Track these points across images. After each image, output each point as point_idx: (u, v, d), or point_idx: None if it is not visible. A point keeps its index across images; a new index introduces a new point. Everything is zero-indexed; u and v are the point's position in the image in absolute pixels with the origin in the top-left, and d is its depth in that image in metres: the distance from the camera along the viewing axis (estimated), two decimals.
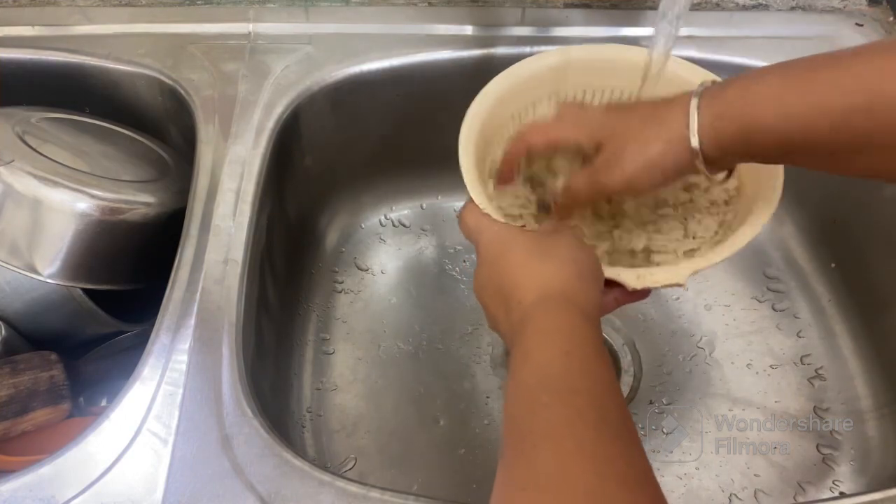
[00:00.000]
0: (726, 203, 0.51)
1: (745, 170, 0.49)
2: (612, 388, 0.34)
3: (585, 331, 0.37)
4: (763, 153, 0.39)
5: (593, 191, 0.43)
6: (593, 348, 0.36)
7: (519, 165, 0.48)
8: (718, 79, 0.46)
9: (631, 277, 0.43)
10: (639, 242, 0.49)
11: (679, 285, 0.43)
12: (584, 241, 0.44)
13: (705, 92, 0.39)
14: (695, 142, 0.38)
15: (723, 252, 0.44)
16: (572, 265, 0.40)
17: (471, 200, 0.46)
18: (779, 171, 0.47)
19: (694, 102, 0.38)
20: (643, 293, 0.44)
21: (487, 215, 0.44)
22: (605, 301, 0.43)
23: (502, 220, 0.44)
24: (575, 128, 0.44)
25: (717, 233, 0.49)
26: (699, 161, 0.39)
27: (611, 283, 0.43)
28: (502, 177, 0.50)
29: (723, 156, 0.39)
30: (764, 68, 0.39)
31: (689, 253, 0.49)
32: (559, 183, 0.47)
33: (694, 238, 0.49)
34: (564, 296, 0.38)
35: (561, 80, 0.53)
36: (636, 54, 0.52)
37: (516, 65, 0.53)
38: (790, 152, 0.38)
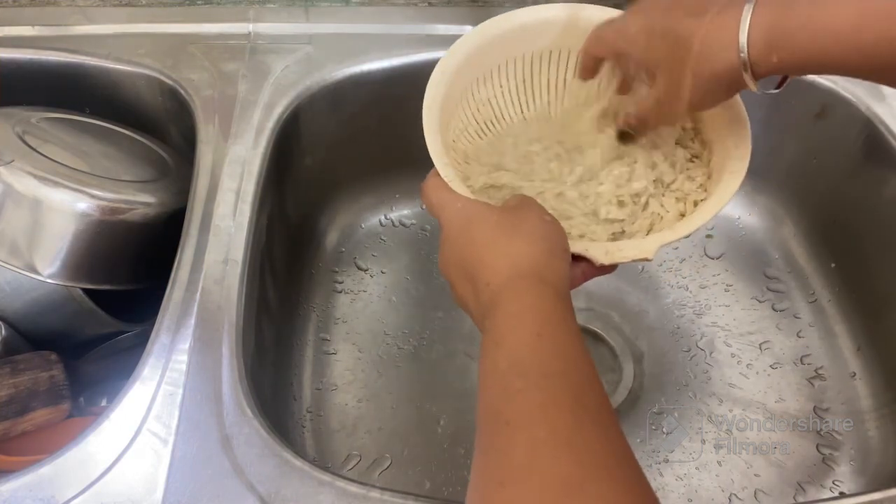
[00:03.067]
0: (691, 161, 0.50)
1: (712, 129, 0.48)
2: (587, 370, 0.33)
3: (558, 310, 0.35)
4: (820, 73, 0.40)
5: (661, 121, 0.44)
6: (566, 329, 0.35)
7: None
8: None
9: (599, 253, 0.42)
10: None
11: (647, 259, 0.42)
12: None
13: (761, 9, 0.37)
14: (749, 76, 0.38)
15: (689, 226, 0.43)
16: (542, 242, 0.38)
17: (434, 172, 0.43)
18: (745, 138, 0.46)
19: (745, 23, 0.37)
20: (610, 267, 0.43)
21: (451, 189, 0.42)
22: (573, 275, 0.41)
23: (468, 193, 0.42)
24: (616, 47, 0.44)
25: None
26: (749, 79, 0.38)
27: (578, 258, 0.42)
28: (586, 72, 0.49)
29: (774, 73, 0.39)
30: None
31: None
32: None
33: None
34: (535, 275, 0.37)
35: (539, 40, 0.52)
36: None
37: (485, 23, 0.50)
38: (856, 75, 0.37)
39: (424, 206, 0.44)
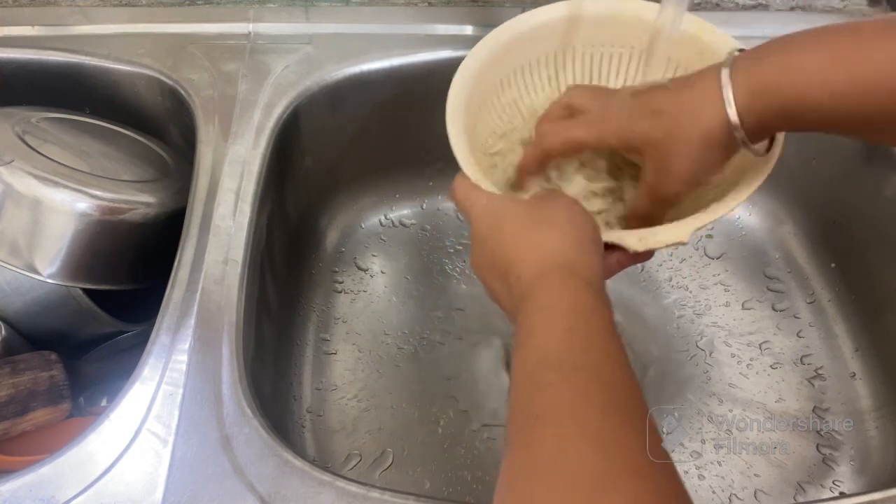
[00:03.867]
0: None
1: None
2: (619, 364, 0.33)
3: (590, 303, 0.35)
4: (806, 127, 0.37)
5: (657, 205, 0.42)
6: (598, 321, 0.34)
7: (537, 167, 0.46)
8: (736, 44, 0.44)
9: (633, 240, 0.41)
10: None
11: (682, 243, 0.41)
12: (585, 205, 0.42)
13: (737, 66, 0.37)
14: (737, 123, 0.37)
15: (723, 207, 0.42)
16: (572, 233, 0.38)
17: (461, 173, 0.44)
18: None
19: (726, 80, 0.36)
20: (646, 254, 0.42)
21: (478, 187, 0.42)
22: (608, 264, 0.41)
23: (495, 190, 0.42)
24: (600, 128, 0.42)
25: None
26: (742, 139, 0.38)
27: (611, 247, 0.41)
28: (520, 183, 0.47)
29: (762, 130, 0.38)
30: (798, 36, 0.37)
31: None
32: (578, 184, 0.45)
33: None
34: (566, 267, 0.36)
35: (563, 37, 0.51)
36: (644, 10, 0.49)
37: (507, 23, 0.49)
38: (835, 126, 0.37)
39: (456, 207, 0.44)
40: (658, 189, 0.41)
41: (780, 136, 0.43)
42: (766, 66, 0.36)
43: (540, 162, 0.46)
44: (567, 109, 0.45)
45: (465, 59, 0.49)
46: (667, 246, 0.41)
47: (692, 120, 0.38)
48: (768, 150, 0.43)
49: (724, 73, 0.37)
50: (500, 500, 0.30)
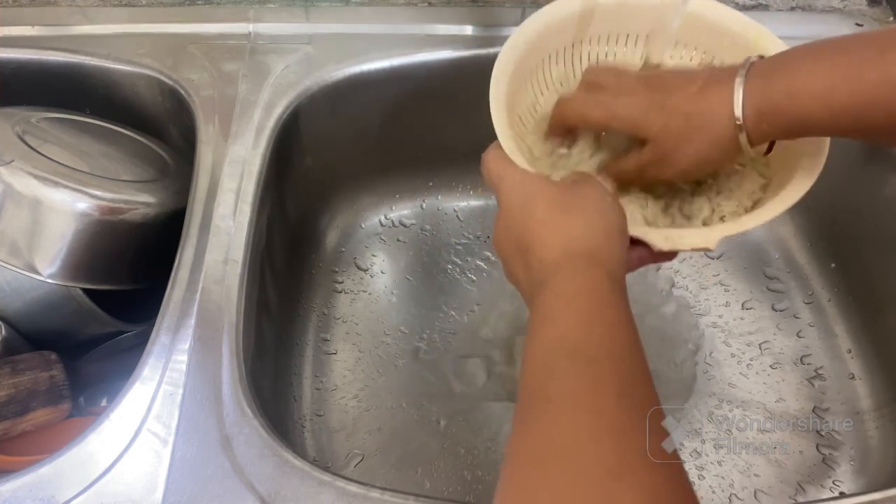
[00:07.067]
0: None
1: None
2: (636, 356, 0.33)
3: (610, 294, 0.35)
4: (811, 136, 0.40)
5: (642, 180, 0.43)
6: (618, 312, 0.34)
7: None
8: (744, 20, 0.47)
9: (659, 238, 0.41)
10: (699, 211, 0.47)
11: (708, 249, 0.41)
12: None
13: (749, 84, 0.38)
14: (745, 143, 0.39)
15: (756, 219, 0.42)
16: (600, 221, 0.38)
17: (496, 143, 0.43)
18: (820, 145, 0.45)
19: (738, 100, 0.38)
20: (669, 254, 0.42)
21: (512, 162, 0.42)
22: (629, 259, 0.41)
23: (529, 168, 0.42)
24: (613, 113, 0.43)
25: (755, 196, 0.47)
26: (745, 144, 0.40)
27: (635, 242, 0.41)
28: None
29: (764, 139, 0.40)
30: (806, 51, 0.39)
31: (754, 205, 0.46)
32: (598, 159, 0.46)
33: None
34: (590, 255, 0.36)
35: (585, 24, 0.51)
36: None
37: (549, 6, 0.50)
38: (834, 134, 0.40)
39: (483, 176, 0.43)
40: (652, 170, 0.43)
41: (823, 146, 0.45)
42: (775, 88, 0.38)
43: (561, 132, 0.47)
44: (587, 87, 0.45)
45: (513, 33, 0.48)
46: (693, 249, 0.41)
47: (702, 128, 0.40)
48: (767, 152, 0.45)
49: (738, 92, 0.39)
50: (506, 483, 0.30)
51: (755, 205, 0.46)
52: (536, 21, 0.49)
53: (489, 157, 0.43)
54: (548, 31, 0.49)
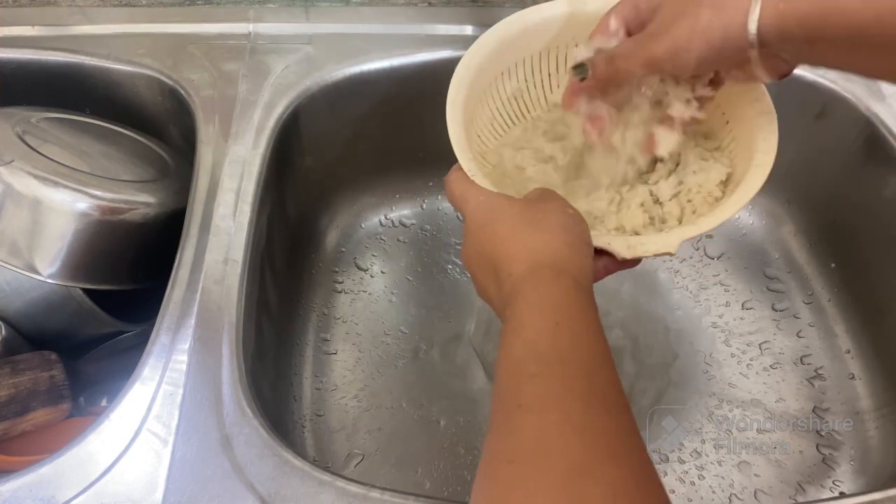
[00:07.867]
0: (717, 150, 0.49)
1: (740, 123, 0.47)
2: (603, 360, 0.34)
3: (578, 301, 0.36)
4: (828, 44, 0.36)
5: (639, 58, 0.41)
6: (585, 318, 0.35)
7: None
8: None
9: (621, 247, 0.42)
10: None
11: (669, 254, 0.42)
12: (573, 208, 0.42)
13: None
14: (753, 22, 0.36)
15: (712, 220, 0.43)
16: (562, 234, 0.39)
17: (457, 165, 0.44)
18: (773, 132, 0.45)
19: None
20: (633, 262, 0.43)
21: (473, 183, 0.43)
22: (595, 268, 0.42)
23: (490, 187, 0.42)
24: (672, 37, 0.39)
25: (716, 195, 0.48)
26: (753, 38, 0.37)
27: (599, 252, 0.42)
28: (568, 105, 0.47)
29: (780, 42, 0.37)
30: None
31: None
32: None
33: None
34: (555, 266, 0.37)
35: (560, 32, 0.51)
36: None
37: (507, 19, 0.50)
38: (859, 46, 0.35)
39: (448, 199, 0.44)
40: (648, 41, 0.40)
41: (773, 144, 0.44)
42: None
43: (606, 84, 0.44)
44: (635, 11, 0.43)
45: (466, 54, 0.49)
46: (655, 255, 0.42)
47: (718, 6, 0.37)
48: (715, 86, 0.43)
49: None
50: (480, 483, 0.31)
51: (724, 192, 0.47)
52: (489, 38, 0.50)
53: (451, 180, 0.44)
54: (500, 48, 0.50)
